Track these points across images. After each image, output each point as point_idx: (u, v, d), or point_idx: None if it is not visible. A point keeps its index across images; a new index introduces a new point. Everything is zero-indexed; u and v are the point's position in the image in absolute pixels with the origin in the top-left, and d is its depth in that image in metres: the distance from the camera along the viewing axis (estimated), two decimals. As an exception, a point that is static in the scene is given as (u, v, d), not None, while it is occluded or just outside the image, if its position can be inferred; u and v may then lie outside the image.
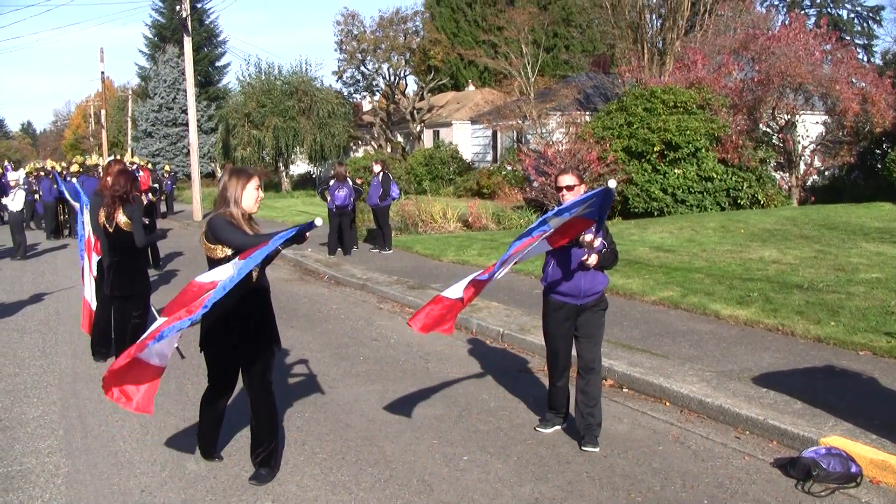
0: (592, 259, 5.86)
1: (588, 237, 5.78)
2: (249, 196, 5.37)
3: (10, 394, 7.65)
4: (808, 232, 16.10)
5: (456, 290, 5.70)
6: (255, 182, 5.41)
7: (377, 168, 17.66)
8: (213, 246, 5.28)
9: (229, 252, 5.21)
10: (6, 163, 34.46)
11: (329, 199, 16.88)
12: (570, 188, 6.01)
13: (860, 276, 11.61)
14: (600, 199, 5.40)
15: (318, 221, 4.85)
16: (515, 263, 5.81)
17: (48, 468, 5.77)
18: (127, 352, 4.89)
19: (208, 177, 47.81)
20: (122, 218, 8.29)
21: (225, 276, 4.85)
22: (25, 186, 22.36)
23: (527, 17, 36.45)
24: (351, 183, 16.93)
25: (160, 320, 4.85)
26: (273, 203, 34.63)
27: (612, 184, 5.30)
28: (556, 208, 5.57)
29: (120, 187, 8.32)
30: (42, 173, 26.62)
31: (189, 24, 29.56)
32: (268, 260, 5.28)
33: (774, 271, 12.36)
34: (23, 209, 19.05)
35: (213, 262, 5.30)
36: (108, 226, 8.34)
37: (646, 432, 6.46)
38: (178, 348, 8.49)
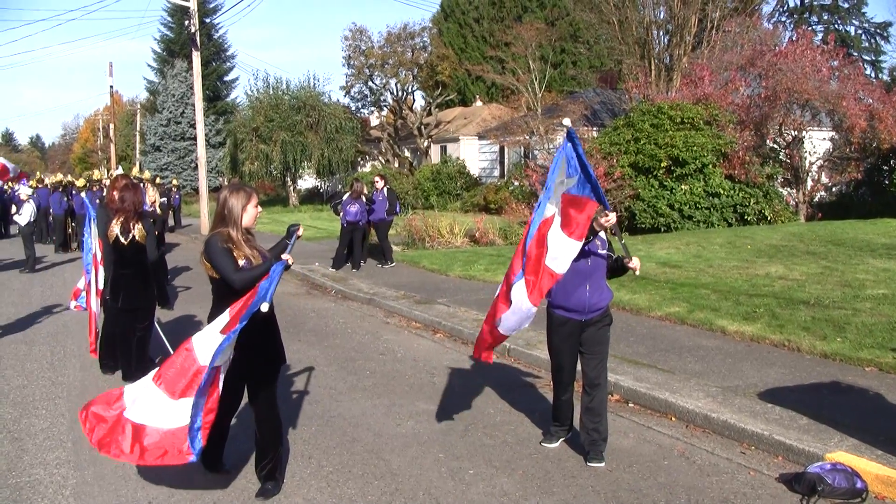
0: (636, 264, 6.01)
1: (601, 220, 5.76)
2: (249, 215, 5.45)
3: (19, 405, 7.69)
4: (814, 248, 16.08)
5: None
6: (254, 201, 5.48)
7: (381, 183, 17.71)
8: (210, 265, 5.35)
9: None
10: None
11: (341, 214, 16.98)
12: None
13: (867, 293, 11.60)
14: (563, 147, 5.45)
15: (289, 259, 5.26)
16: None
17: (56, 479, 5.81)
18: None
19: (216, 191, 47.77)
20: (139, 231, 8.41)
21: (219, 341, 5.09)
22: (36, 200, 22.48)
23: (534, 32, 36.53)
24: (364, 199, 16.99)
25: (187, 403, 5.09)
26: (280, 217, 34.72)
27: (566, 122, 5.39)
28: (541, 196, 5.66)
29: (140, 201, 8.48)
30: (49, 186, 26.73)
31: (198, 38, 29.73)
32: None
33: (781, 287, 12.36)
34: (31, 222, 19.13)
35: (214, 282, 5.36)
36: (122, 238, 8.39)
37: (651, 447, 6.47)
38: None
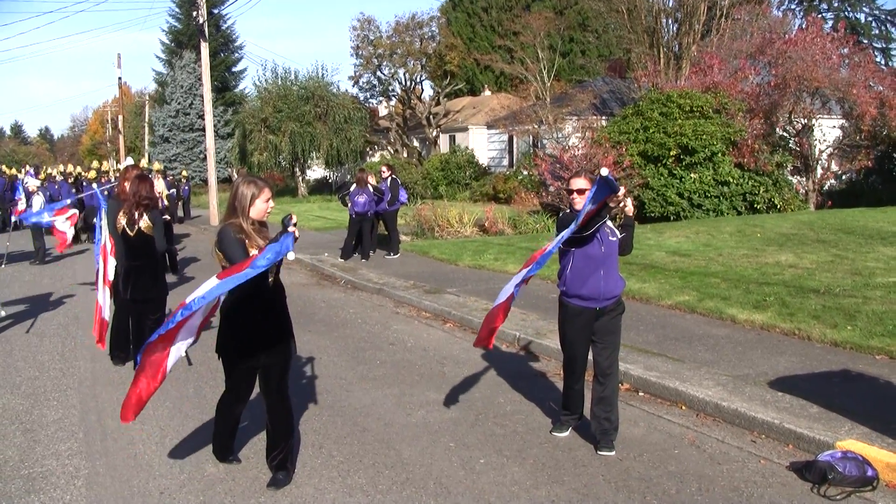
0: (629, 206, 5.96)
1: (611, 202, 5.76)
2: (259, 209, 5.41)
3: (31, 397, 7.73)
4: (824, 236, 16.03)
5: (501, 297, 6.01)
6: (265, 195, 5.44)
7: (386, 172, 17.79)
8: (222, 255, 5.33)
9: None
10: (28, 168, 34.57)
11: (349, 204, 16.96)
12: (581, 192, 5.95)
13: (877, 281, 11.56)
14: (597, 186, 5.42)
15: (291, 256, 4.94)
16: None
17: (68, 470, 5.83)
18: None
19: (225, 182, 48.00)
20: (144, 222, 8.38)
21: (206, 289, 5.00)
22: (46, 192, 22.53)
23: (543, 21, 36.45)
24: (371, 189, 16.98)
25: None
26: (290, 208, 34.71)
27: (603, 171, 5.30)
28: (572, 225, 5.63)
29: (147, 193, 8.44)
30: (62, 177, 26.76)
31: (206, 29, 29.75)
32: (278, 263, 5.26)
33: (791, 276, 12.33)
34: (41, 214, 19.18)
35: None
36: (128, 230, 8.40)
37: (661, 436, 6.47)
38: (186, 355, 8.57)
